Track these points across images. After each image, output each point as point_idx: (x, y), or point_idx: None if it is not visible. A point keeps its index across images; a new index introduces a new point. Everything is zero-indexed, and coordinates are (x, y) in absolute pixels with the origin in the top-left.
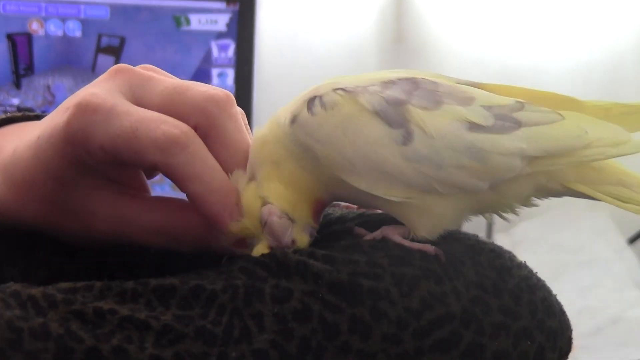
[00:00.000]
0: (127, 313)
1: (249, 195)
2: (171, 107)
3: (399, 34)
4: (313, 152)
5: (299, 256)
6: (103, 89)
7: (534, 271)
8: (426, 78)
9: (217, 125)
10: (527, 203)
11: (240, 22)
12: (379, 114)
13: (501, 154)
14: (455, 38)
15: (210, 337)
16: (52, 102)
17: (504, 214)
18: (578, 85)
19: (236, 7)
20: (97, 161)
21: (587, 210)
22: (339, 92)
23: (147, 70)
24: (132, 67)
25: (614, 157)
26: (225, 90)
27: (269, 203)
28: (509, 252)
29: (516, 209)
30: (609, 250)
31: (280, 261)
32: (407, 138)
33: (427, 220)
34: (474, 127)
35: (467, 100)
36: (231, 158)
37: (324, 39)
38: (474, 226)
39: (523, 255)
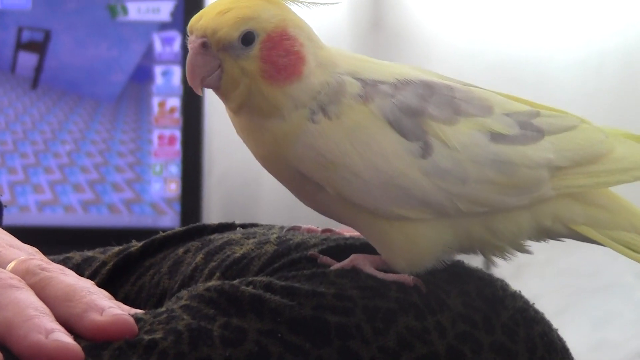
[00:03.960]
0: None
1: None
2: None
3: (377, 19)
4: (309, 165)
5: (253, 289)
6: None
7: (531, 302)
8: (439, 80)
9: None
10: (520, 247)
11: (187, 9)
12: (392, 124)
13: (528, 167)
14: (442, 24)
15: None
16: None
17: (492, 257)
18: (589, 80)
19: None
20: None
21: None
22: (346, 98)
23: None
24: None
25: (634, 180)
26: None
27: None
28: (501, 280)
29: (507, 253)
30: (629, 274)
31: (231, 296)
32: (426, 151)
33: (409, 251)
34: (497, 137)
35: (487, 109)
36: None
37: None
38: None
39: (528, 280)
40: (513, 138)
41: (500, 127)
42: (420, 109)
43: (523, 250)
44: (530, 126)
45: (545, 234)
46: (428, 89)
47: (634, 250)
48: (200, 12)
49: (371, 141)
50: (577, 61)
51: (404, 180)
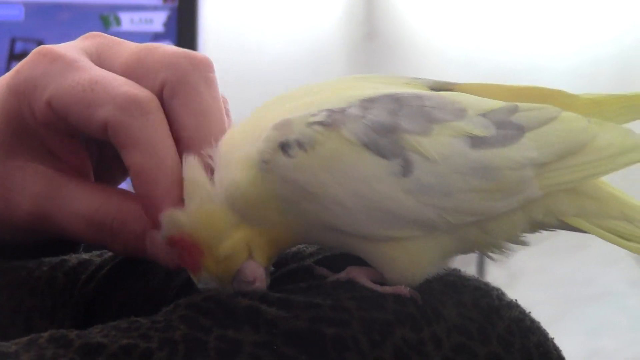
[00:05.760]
0: None
1: (240, 238)
2: (138, 64)
3: (370, 29)
4: (291, 199)
5: (249, 300)
6: (69, 46)
7: (527, 311)
8: (405, 91)
9: (188, 82)
10: (518, 240)
11: (180, 20)
12: (367, 146)
13: (511, 169)
14: (436, 33)
15: None
16: None
17: (492, 254)
18: (583, 87)
19: (175, 3)
20: (39, 121)
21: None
22: (316, 127)
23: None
24: (105, 34)
25: (623, 167)
26: (205, 55)
27: (253, 259)
28: (497, 290)
29: (505, 249)
30: (622, 282)
31: (227, 307)
32: (407, 168)
33: (407, 268)
34: (476, 141)
35: (460, 112)
36: (197, 127)
37: (280, 38)
38: (464, 257)
39: (521, 289)
40: (492, 140)
41: (476, 130)
42: (393, 125)
43: (520, 242)
44: (508, 125)
45: (539, 226)
46: (396, 103)
47: (624, 239)
48: None
49: (349, 168)
50: (570, 69)
51: (388, 203)
